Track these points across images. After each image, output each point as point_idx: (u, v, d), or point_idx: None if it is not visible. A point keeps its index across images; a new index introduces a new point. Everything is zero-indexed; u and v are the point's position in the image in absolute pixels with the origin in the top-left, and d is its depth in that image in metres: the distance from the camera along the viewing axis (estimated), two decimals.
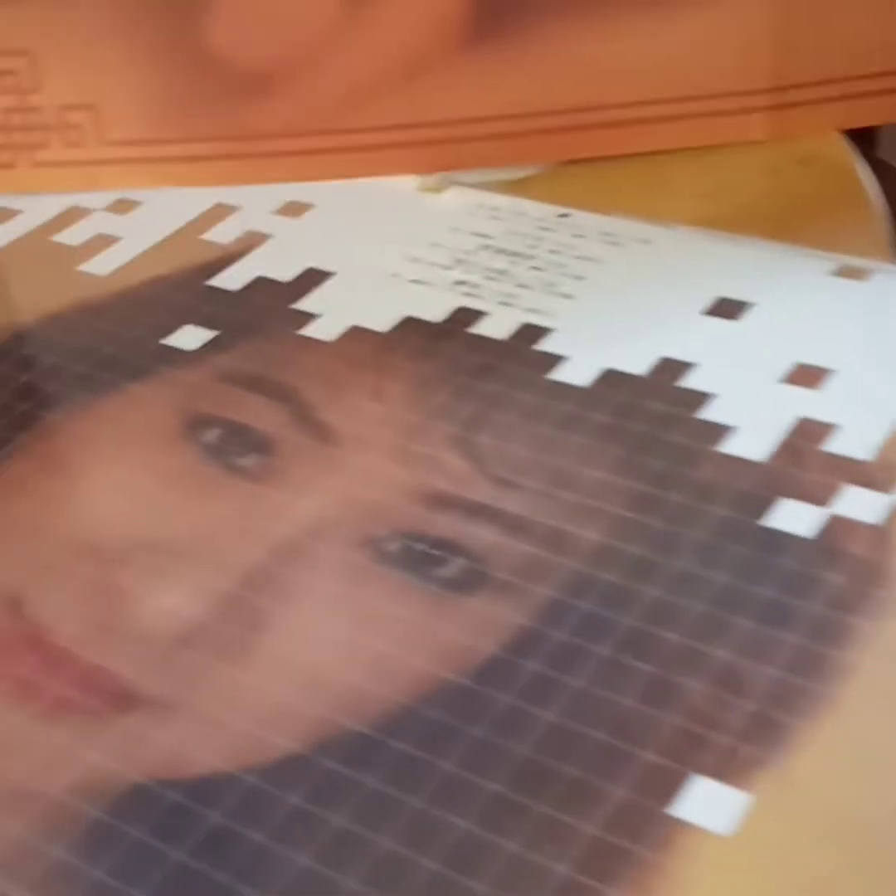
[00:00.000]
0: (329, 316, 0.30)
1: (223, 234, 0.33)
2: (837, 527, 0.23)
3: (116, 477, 0.26)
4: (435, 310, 0.29)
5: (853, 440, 0.25)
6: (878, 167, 0.34)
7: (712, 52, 0.33)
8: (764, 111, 0.34)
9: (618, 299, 0.29)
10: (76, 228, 0.35)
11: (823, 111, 0.34)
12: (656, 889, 0.18)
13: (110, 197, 0.36)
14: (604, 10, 0.33)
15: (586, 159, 0.34)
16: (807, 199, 0.33)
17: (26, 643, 0.23)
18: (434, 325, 0.29)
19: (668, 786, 0.19)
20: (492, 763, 0.20)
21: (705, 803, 0.19)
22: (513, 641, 0.21)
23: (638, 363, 0.27)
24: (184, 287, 0.32)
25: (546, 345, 0.28)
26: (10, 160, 0.36)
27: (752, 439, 0.24)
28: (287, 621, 0.23)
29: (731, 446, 0.24)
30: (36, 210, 0.36)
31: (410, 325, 0.29)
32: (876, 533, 0.23)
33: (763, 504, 0.23)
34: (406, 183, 0.34)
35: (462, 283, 0.30)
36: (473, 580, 0.23)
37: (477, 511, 0.24)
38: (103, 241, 0.34)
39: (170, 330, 0.30)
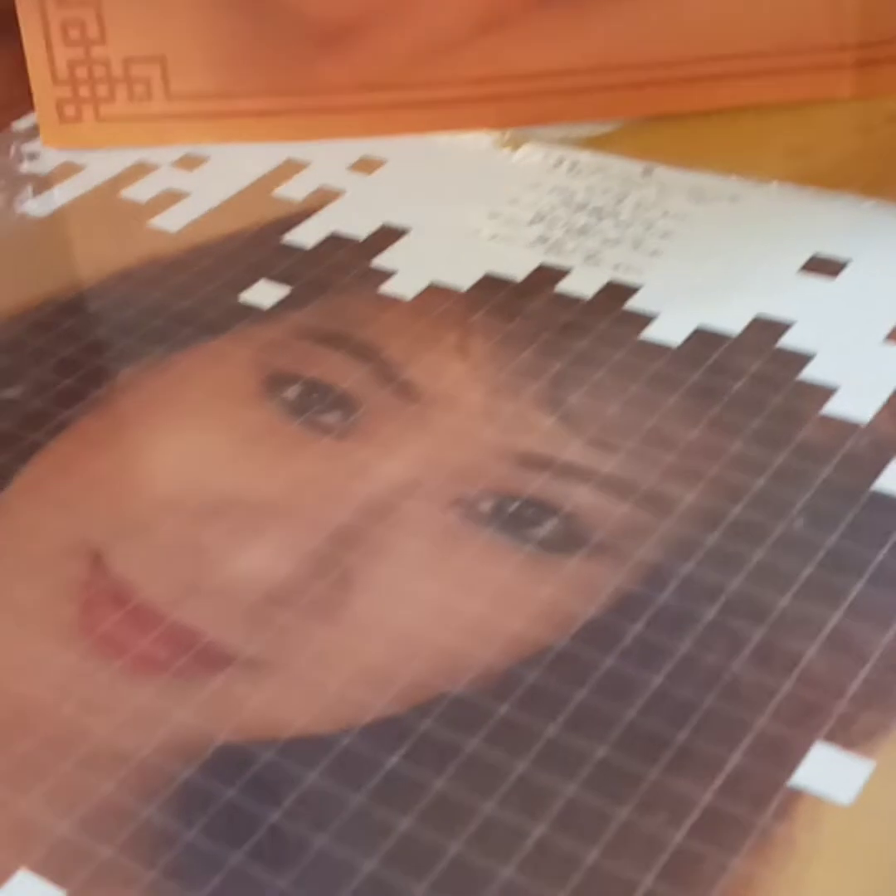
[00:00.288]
0: (407, 273, 0.29)
1: (295, 190, 0.33)
2: None
3: (196, 433, 0.26)
4: (516, 267, 0.29)
5: None
6: None
7: (798, 7, 0.32)
8: (851, 68, 0.33)
9: (708, 257, 0.28)
10: (143, 184, 0.34)
11: None
12: (777, 859, 0.17)
13: (177, 152, 0.35)
14: None
15: (668, 115, 0.33)
16: None
17: (110, 599, 0.22)
18: (516, 282, 0.28)
19: (787, 754, 0.18)
20: (598, 727, 0.19)
21: (826, 772, 0.18)
22: (614, 604, 0.21)
23: (732, 322, 0.26)
24: (257, 243, 0.31)
25: (634, 303, 0.27)
26: (75, 114, 0.35)
27: (856, 400, 0.24)
28: (378, 581, 0.22)
29: (834, 407, 0.24)
30: (101, 165, 0.35)
31: (491, 283, 0.28)
32: None
33: (871, 466, 0.23)
34: (481, 138, 0.33)
35: (544, 239, 0.29)
36: (570, 541, 0.22)
37: (570, 471, 0.23)
38: (172, 197, 0.33)
39: (245, 286, 0.29)
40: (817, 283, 0.27)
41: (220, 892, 0.18)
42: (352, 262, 0.30)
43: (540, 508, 0.23)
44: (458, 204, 0.31)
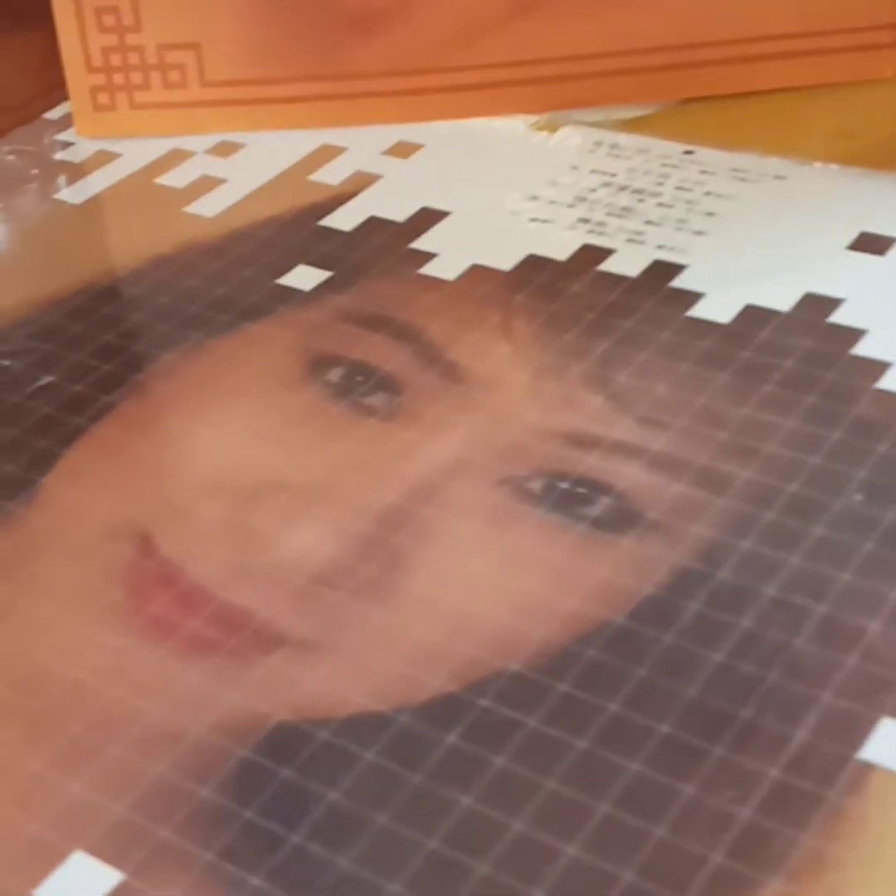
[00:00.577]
0: (448, 255, 0.29)
1: (331, 175, 0.32)
2: None
3: (240, 416, 0.26)
4: (559, 248, 0.28)
5: None
6: None
7: None
8: (892, 48, 0.32)
9: (754, 235, 0.27)
10: (179, 171, 0.34)
11: None
12: (848, 834, 0.17)
13: (211, 139, 0.35)
14: None
15: (707, 97, 0.32)
16: None
17: (159, 581, 0.22)
18: (559, 263, 0.28)
19: (855, 729, 0.18)
20: (659, 704, 0.19)
21: (894, 746, 0.18)
22: (671, 581, 0.20)
23: (781, 300, 0.25)
24: (295, 228, 0.31)
25: (680, 282, 0.27)
26: (109, 102, 0.35)
27: None
28: (428, 561, 0.22)
29: (888, 382, 0.23)
30: (136, 153, 0.35)
31: (534, 264, 0.28)
32: None
33: None
34: (517, 122, 0.33)
35: (585, 220, 0.29)
36: (623, 519, 0.22)
37: (621, 450, 0.23)
38: (208, 183, 0.33)
39: (284, 270, 0.29)
40: (866, 260, 0.26)
41: (279, 872, 0.18)
42: (392, 244, 0.30)
43: (591, 487, 0.22)
44: (497, 187, 0.31)
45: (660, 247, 0.28)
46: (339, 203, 0.31)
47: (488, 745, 0.19)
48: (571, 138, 0.32)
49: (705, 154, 0.31)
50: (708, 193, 0.29)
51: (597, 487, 0.22)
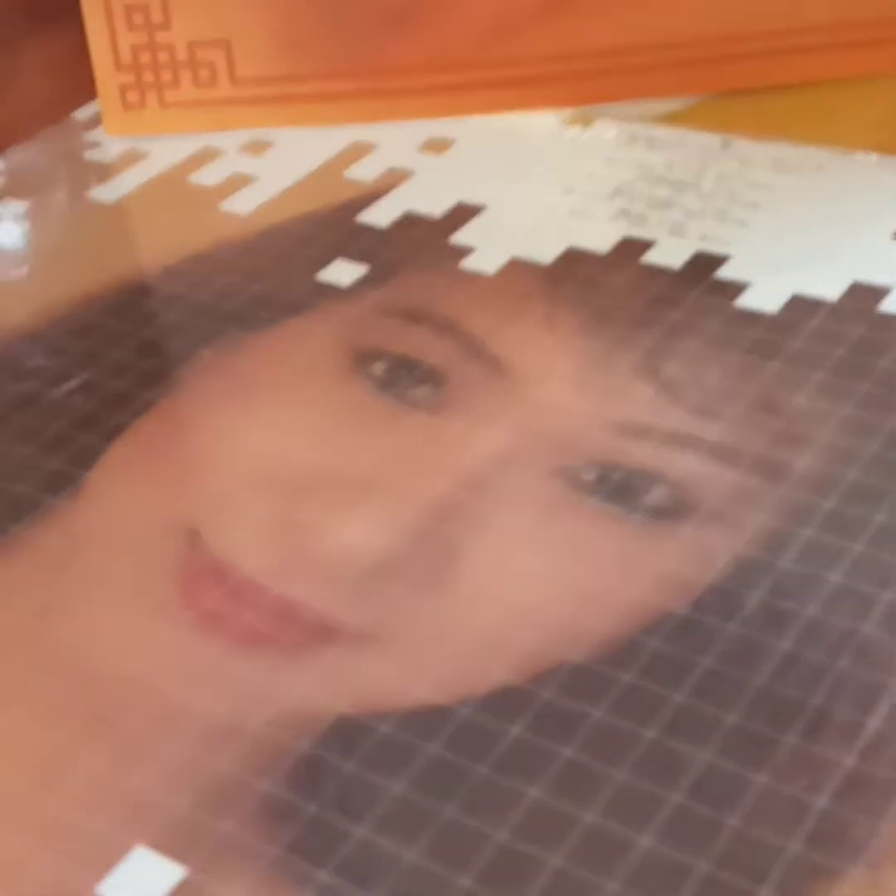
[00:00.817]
0: (486, 249, 0.29)
1: (365, 171, 0.32)
2: None
3: (285, 411, 0.25)
4: (599, 241, 0.28)
5: None
6: None
7: None
8: None
9: (797, 225, 0.27)
10: (210, 169, 0.34)
11: None
12: None
13: (242, 137, 0.35)
14: None
15: (742, 90, 0.32)
16: None
17: (210, 575, 0.22)
18: (600, 256, 0.28)
19: None
20: (727, 694, 0.18)
21: None
22: (733, 570, 0.20)
23: (829, 288, 0.25)
24: (331, 224, 0.31)
25: (725, 272, 0.26)
26: (139, 100, 0.35)
27: None
28: (483, 552, 0.21)
29: None
30: (165, 151, 0.35)
31: (575, 257, 0.28)
32: None
33: None
34: (549, 117, 0.33)
35: (625, 213, 0.29)
36: (681, 509, 0.21)
37: (675, 439, 0.23)
38: (240, 181, 0.33)
39: (321, 266, 0.29)
40: None
41: (346, 866, 0.17)
42: (429, 239, 0.29)
43: (646, 477, 0.22)
44: (534, 181, 0.31)
45: (702, 237, 0.27)
46: (374, 199, 0.31)
47: (554, 737, 0.18)
48: (606, 132, 0.32)
49: (743, 146, 0.30)
50: (749, 184, 0.29)
51: (652, 477, 0.22)
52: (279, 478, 0.24)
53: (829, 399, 0.23)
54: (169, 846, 0.18)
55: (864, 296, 0.25)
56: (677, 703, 0.19)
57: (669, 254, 0.27)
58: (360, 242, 0.30)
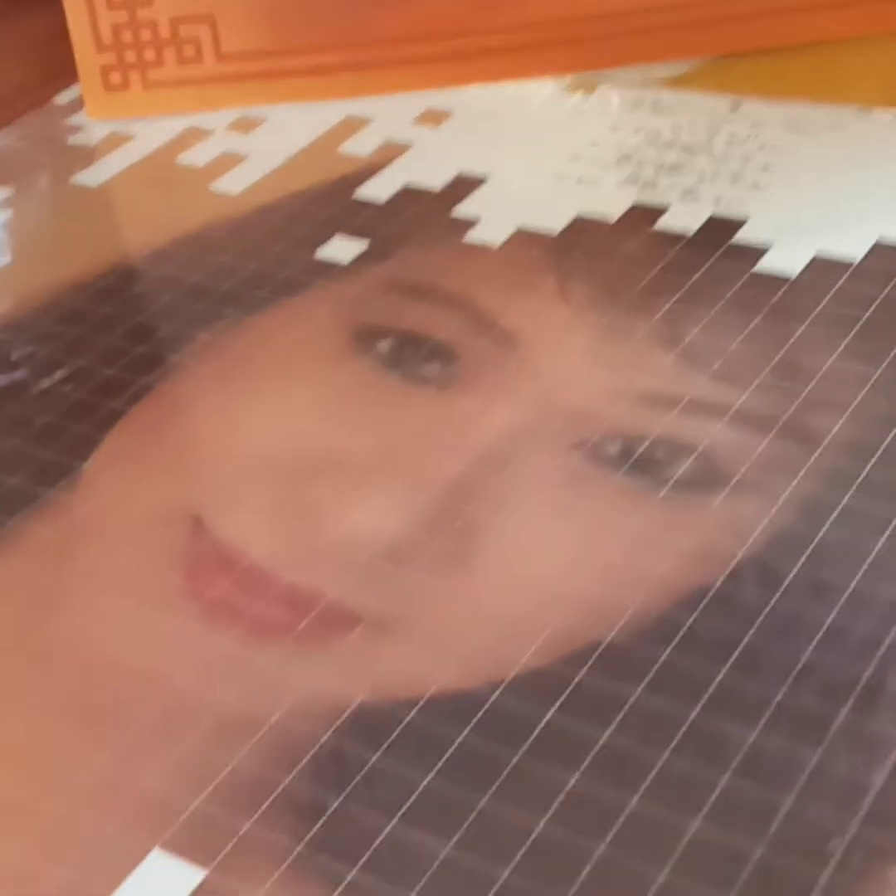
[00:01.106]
0: (490, 221, 0.28)
1: (360, 146, 0.31)
2: None
3: (289, 392, 0.24)
4: (608, 208, 0.27)
5: None
6: None
7: None
8: None
9: (814, 186, 0.26)
10: (198, 149, 0.32)
11: None
12: None
13: (230, 116, 0.33)
14: None
15: (747, 52, 0.31)
16: None
17: (217, 564, 0.21)
18: (610, 224, 0.27)
19: None
20: (772, 669, 0.17)
21: None
22: (769, 541, 0.19)
23: (851, 249, 0.24)
24: (327, 200, 0.30)
25: (742, 236, 0.25)
26: (122, 82, 0.34)
27: None
28: (504, 531, 0.20)
29: None
30: (150, 133, 0.33)
31: (584, 226, 0.27)
32: None
33: None
34: (547, 85, 0.32)
35: (634, 179, 0.28)
36: (710, 479, 0.21)
37: (699, 408, 0.22)
38: (230, 160, 0.32)
39: (319, 243, 0.28)
40: None
41: (376, 862, 0.16)
42: (431, 213, 0.28)
43: (672, 448, 0.21)
44: (536, 150, 0.30)
45: (717, 201, 0.26)
46: (371, 174, 0.30)
47: (591, 720, 0.17)
48: (609, 98, 0.31)
49: (753, 107, 0.29)
50: (762, 146, 0.28)
51: (678, 448, 0.21)
52: (284, 461, 0.22)
53: (857, 361, 0.22)
54: (186, 847, 0.17)
55: (886, 255, 0.24)
56: (720, 680, 0.18)
57: (683, 219, 0.26)
58: (358, 218, 0.29)
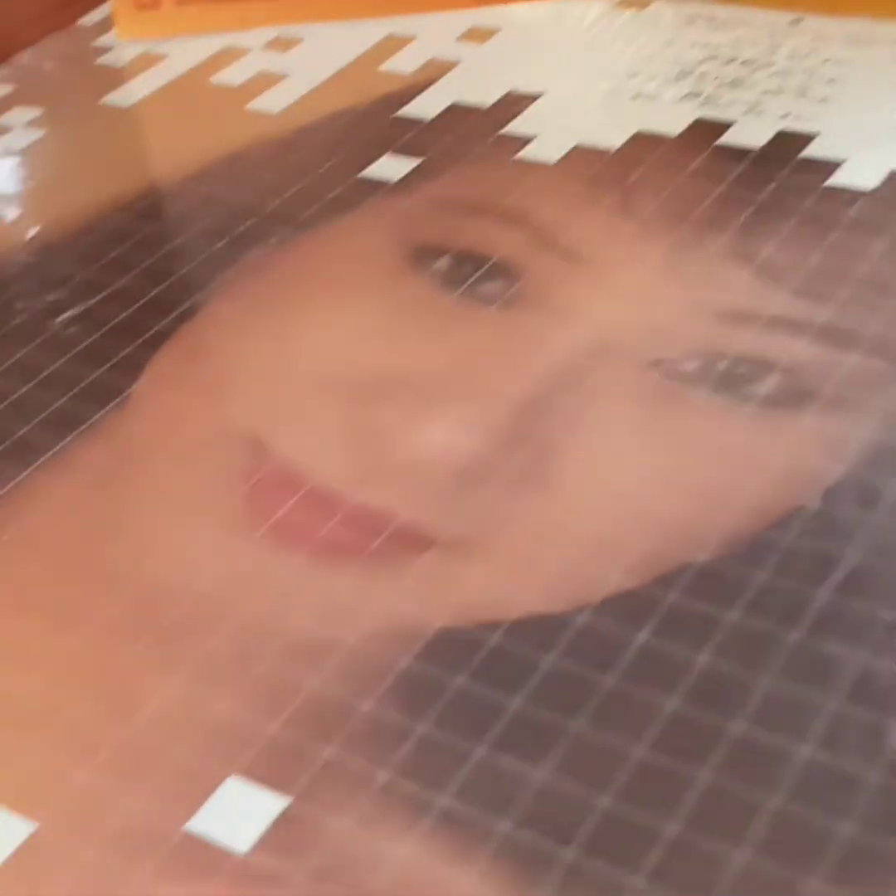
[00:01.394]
0: (546, 137, 0.26)
1: (403, 64, 0.30)
2: None
3: (344, 311, 0.23)
4: (669, 124, 0.26)
5: None
6: None
7: None
8: None
9: (884, 99, 0.25)
10: (234, 68, 0.31)
11: None
12: None
13: (266, 35, 0.32)
14: None
15: None
16: None
17: (280, 485, 0.20)
18: (672, 139, 0.26)
19: None
20: (877, 589, 0.17)
21: None
22: (864, 458, 0.18)
23: None
24: (372, 119, 0.29)
25: (813, 150, 0.24)
26: (152, 0, 0.33)
27: None
28: (583, 450, 0.19)
29: None
30: (183, 53, 0.32)
31: (644, 141, 0.26)
32: None
33: None
34: (598, 2, 0.31)
35: (695, 94, 0.27)
36: (798, 397, 0.20)
37: (781, 324, 0.21)
38: (268, 80, 0.31)
39: (367, 161, 0.27)
40: None
41: (469, 787, 0.16)
42: (482, 130, 0.27)
43: (754, 365, 0.20)
44: (589, 66, 0.28)
45: (783, 116, 0.25)
46: (416, 92, 0.29)
47: (686, 642, 0.17)
48: (662, 14, 0.30)
49: (814, 22, 0.28)
50: (826, 60, 0.27)
51: (761, 365, 0.20)
52: (345, 380, 0.22)
53: None
54: (265, 775, 0.16)
55: None
56: (822, 600, 0.17)
57: (749, 134, 0.25)
58: (405, 136, 0.28)
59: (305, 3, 0.32)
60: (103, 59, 0.33)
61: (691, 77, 0.27)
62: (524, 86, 0.28)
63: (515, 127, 0.27)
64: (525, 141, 0.27)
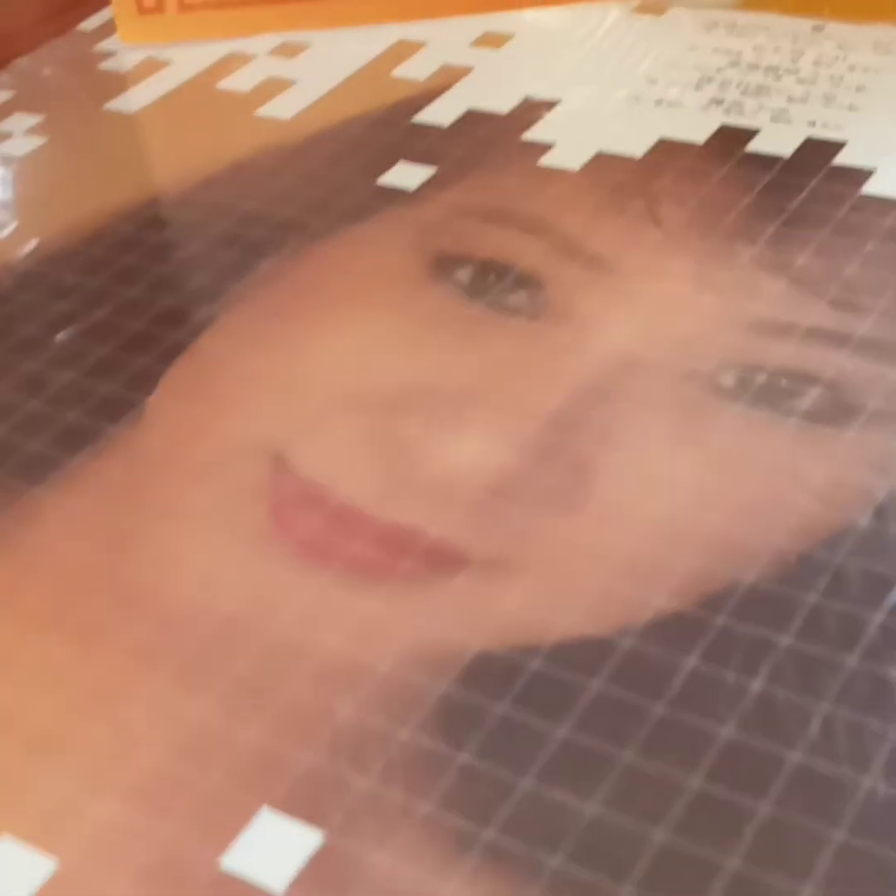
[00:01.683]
0: (567, 144, 0.26)
1: (416, 70, 0.29)
2: None
3: (364, 322, 0.23)
4: (694, 131, 0.25)
5: None
6: None
7: None
8: None
9: None
10: (240, 74, 0.31)
11: None
12: None
13: (272, 41, 0.32)
14: None
15: None
16: None
17: (304, 501, 0.19)
18: (698, 146, 0.25)
19: None
20: None
21: None
22: None
23: None
24: (386, 125, 0.28)
25: (844, 158, 0.24)
26: (157, 4, 0.32)
27: None
28: (618, 466, 0.19)
29: None
30: (188, 59, 0.32)
31: (669, 148, 0.25)
32: None
33: None
34: (614, 7, 0.30)
35: (718, 101, 0.26)
36: (842, 411, 0.19)
37: (820, 336, 0.20)
38: (277, 86, 0.30)
39: (382, 169, 0.26)
40: None
41: (516, 820, 0.15)
42: (500, 137, 0.27)
43: (794, 378, 0.20)
44: (608, 72, 0.28)
45: (811, 123, 0.25)
46: (431, 98, 0.28)
47: (738, 668, 0.16)
48: (681, 20, 0.29)
49: (837, 28, 0.28)
50: (852, 68, 0.26)
51: (801, 378, 0.20)
52: (368, 393, 0.21)
53: None
54: (300, 807, 0.15)
55: None
56: (879, 624, 0.16)
57: (776, 141, 0.25)
58: (421, 143, 0.27)
59: (312, 9, 0.32)
60: (105, 65, 0.32)
61: (713, 84, 0.27)
62: (541, 92, 0.28)
63: (535, 134, 0.26)
64: (545, 148, 0.26)
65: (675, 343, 0.21)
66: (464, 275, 0.23)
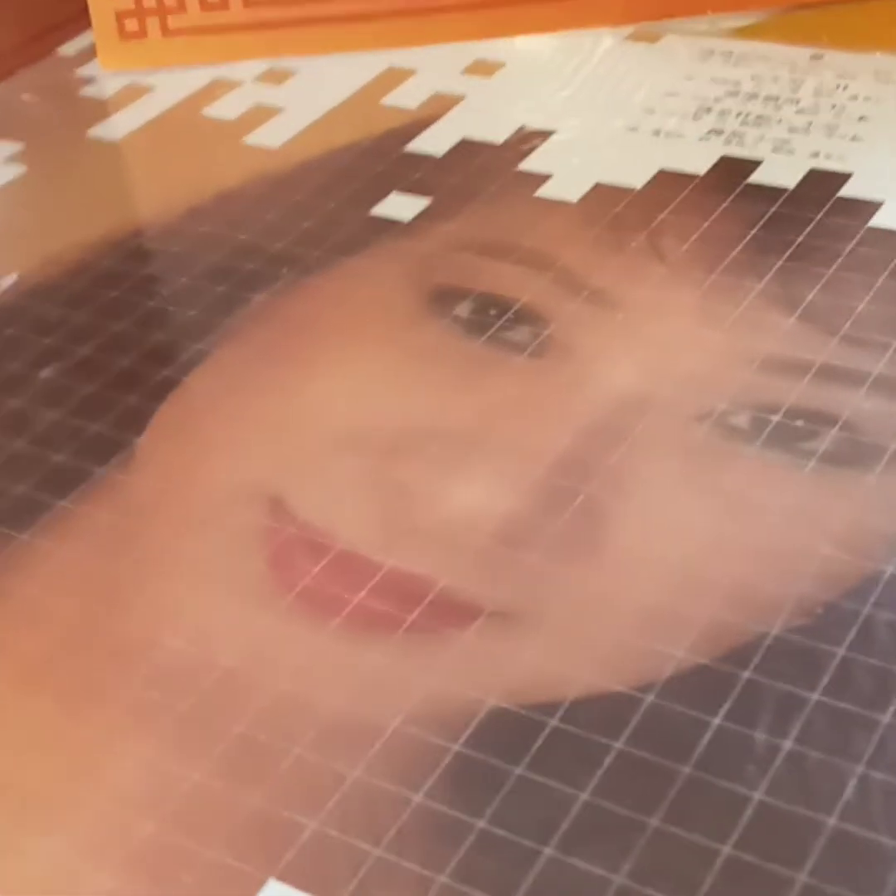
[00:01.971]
0: (565, 175, 0.25)
1: (406, 98, 0.29)
2: None
3: (361, 359, 0.22)
4: (695, 161, 0.25)
5: None
6: None
7: None
8: None
9: None
10: (226, 101, 0.30)
11: None
12: None
13: (258, 67, 0.31)
14: None
15: (817, 3, 0.29)
16: None
17: (304, 549, 0.18)
18: (699, 177, 0.25)
19: None
20: None
21: None
22: None
23: None
24: (378, 155, 0.27)
25: (849, 190, 0.23)
26: (139, 29, 0.31)
27: None
28: (631, 513, 0.18)
29: None
30: (171, 85, 0.31)
31: (669, 180, 0.25)
32: None
33: None
34: (607, 35, 0.30)
35: (718, 132, 0.26)
36: (861, 453, 0.18)
37: (833, 375, 0.20)
38: (264, 113, 0.29)
39: (374, 200, 0.26)
40: None
41: (541, 893, 0.14)
42: (495, 167, 0.26)
43: (810, 418, 0.19)
44: (605, 101, 0.27)
45: (814, 155, 0.24)
46: (423, 127, 0.28)
47: (768, 727, 0.15)
48: (676, 48, 0.29)
49: (836, 57, 0.27)
50: (854, 97, 0.26)
51: (818, 418, 0.19)
52: (365, 434, 0.20)
53: None
54: (307, 878, 0.15)
55: None
56: None
57: (779, 173, 0.24)
58: (414, 173, 0.26)
59: (298, 35, 0.31)
60: (86, 91, 0.31)
61: (712, 113, 0.26)
62: (536, 121, 0.27)
63: (531, 164, 0.26)
64: (542, 179, 0.25)
65: (683, 381, 0.20)
66: (463, 310, 0.22)
